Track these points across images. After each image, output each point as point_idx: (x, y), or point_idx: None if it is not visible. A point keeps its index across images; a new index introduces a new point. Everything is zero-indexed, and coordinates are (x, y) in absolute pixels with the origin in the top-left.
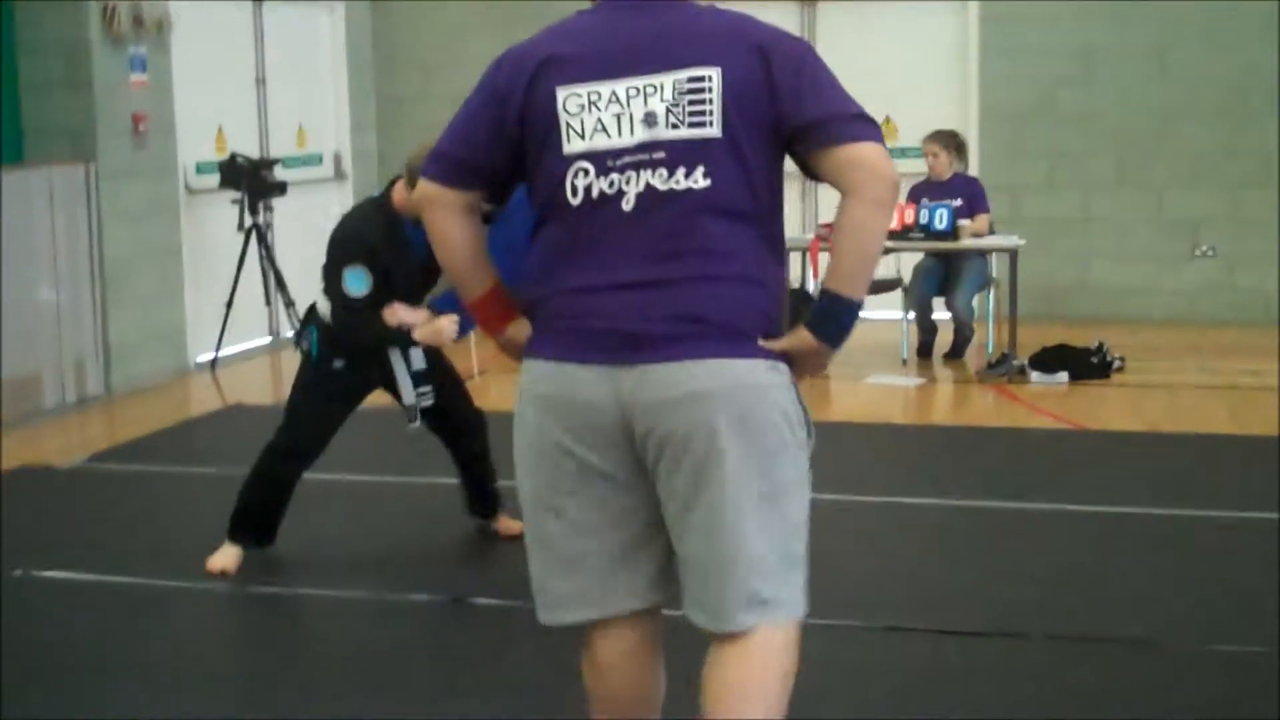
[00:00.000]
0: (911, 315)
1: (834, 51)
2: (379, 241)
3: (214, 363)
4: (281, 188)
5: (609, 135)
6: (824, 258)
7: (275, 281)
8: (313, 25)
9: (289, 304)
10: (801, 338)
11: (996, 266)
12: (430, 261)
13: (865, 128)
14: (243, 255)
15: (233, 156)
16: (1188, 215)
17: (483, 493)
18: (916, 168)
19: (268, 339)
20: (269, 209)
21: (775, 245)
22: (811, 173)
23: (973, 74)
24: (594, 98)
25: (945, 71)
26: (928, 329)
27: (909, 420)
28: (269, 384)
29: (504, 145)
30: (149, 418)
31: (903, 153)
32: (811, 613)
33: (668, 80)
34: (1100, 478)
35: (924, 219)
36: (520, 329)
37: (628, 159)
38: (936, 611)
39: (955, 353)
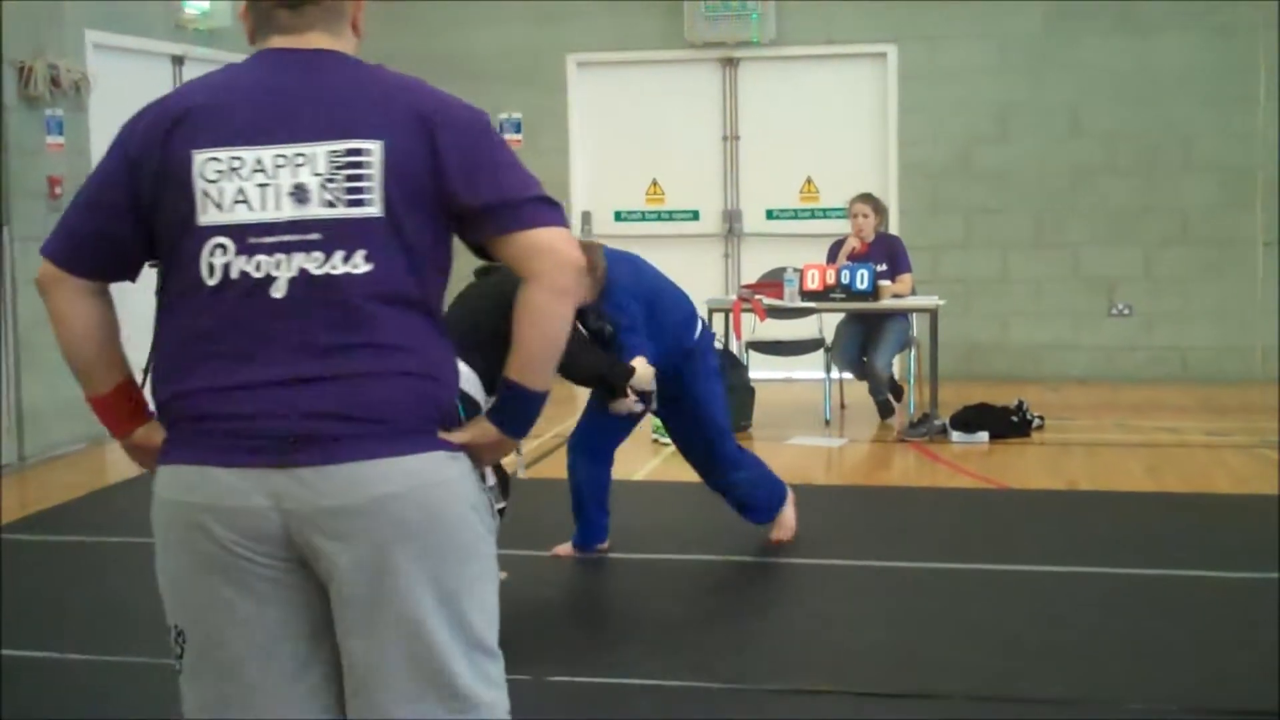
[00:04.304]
0: (835, 374)
1: (755, 111)
2: None
3: None
4: None
5: (251, 208)
6: (746, 319)
7: None
8: None
9: None
10: (484, 429)
11: (917, 326)
12: None
13: (544, 211)
14: None
15: None
16: (1104, 273)
17: None
18: (837, 228)
19: None
20: None
21: (444, 330)
22: (487, 257)
23: (891, 131)
24: (235, 164)
25: (865, 129)
26: (877, 391)
27: (831, 481)
28: None
29: (137, 217)
30: (64, 486)
31: (824, 213)
32: (733, 676)
33: (321, 151)
34: (1021, 537)
35: (845, 279)
36: (153, 432)
37: (277, 238)
38: (858, 672)
39: (884, 413)
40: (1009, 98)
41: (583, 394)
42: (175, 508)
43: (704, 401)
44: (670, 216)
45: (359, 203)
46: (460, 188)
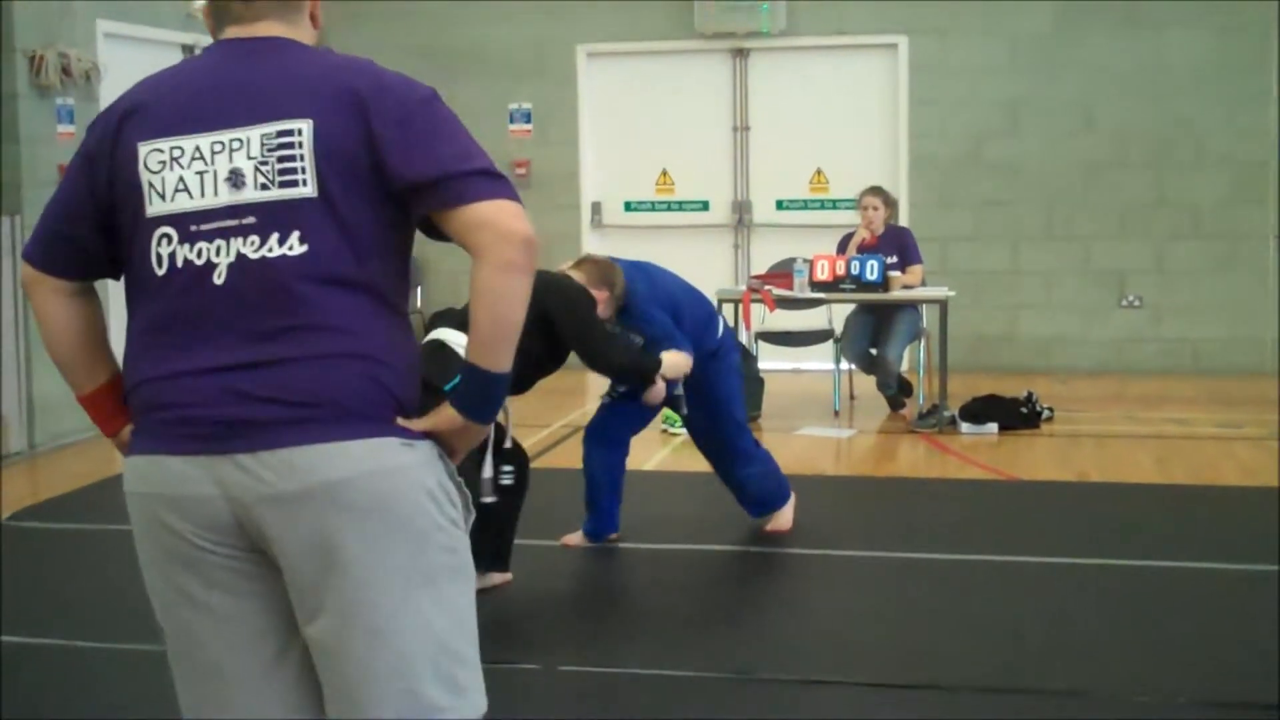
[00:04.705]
0: (845, 365)
1: (765, 102)
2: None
3: None
4: None
5: (191, 196)
6: (756, 309)
7: None
8: None
9: None
10: (447, 416)
11: (926, 318)
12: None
13: (488, 183)
14: None
15: None
16: (1114, 266)
17: (501, 548)
18: (846, 220)
19: None
20: None
21: (398, 314)
22: (438, 235)
23: (902, 123)
24: (176, 153)
25: (875, 121)
26: (886, 385)
27: (840, 471)
28: None
29: (101, 215)
30: (72, 474)
31: (834, 204)
32: (741, 666)
33: (255, 134)
34: (1030, 528)
35: (855, 270)
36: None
37: (215, 224)
38: (866, 663)
39: (896, 405)
40: (1019, 91)
41: (590, 385)
42: (139, 500)
43: (725, 400)
44: (680, 207)
45: (291, 183)
46: (396, 163)
